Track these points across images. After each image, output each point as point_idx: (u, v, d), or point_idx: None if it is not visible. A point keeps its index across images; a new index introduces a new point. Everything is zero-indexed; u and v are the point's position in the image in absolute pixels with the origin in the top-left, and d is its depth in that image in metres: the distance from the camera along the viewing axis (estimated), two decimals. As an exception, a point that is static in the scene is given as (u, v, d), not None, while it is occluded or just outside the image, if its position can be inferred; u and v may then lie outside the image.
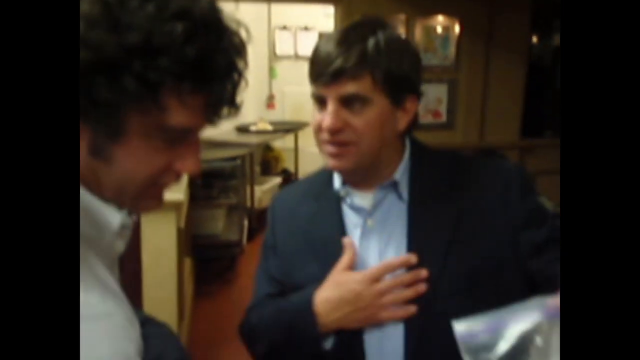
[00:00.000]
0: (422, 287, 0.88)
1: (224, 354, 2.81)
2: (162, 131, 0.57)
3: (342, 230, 0.96)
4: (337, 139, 0.88)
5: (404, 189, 0.94)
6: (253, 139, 4.22)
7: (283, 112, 5.21)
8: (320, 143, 0.92)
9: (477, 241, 0.90)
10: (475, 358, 0.62)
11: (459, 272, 0.89)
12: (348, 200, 0.97)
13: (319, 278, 0.95)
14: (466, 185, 0.94)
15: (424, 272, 0.88)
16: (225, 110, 0.61)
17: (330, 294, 0.90)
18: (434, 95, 3.31)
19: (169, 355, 0.95)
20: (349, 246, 0.92)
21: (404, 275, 0.89)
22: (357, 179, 0.96)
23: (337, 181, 0.99)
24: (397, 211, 0.94)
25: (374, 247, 0.94)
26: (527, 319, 0.64)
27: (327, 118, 0.87)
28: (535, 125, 3.67)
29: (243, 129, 4.43)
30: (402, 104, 0.91)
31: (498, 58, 3.37)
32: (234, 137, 4.27)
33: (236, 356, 2.94)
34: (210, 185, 3.68)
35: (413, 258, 0.89)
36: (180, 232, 2.57)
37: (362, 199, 0.96)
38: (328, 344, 0.94)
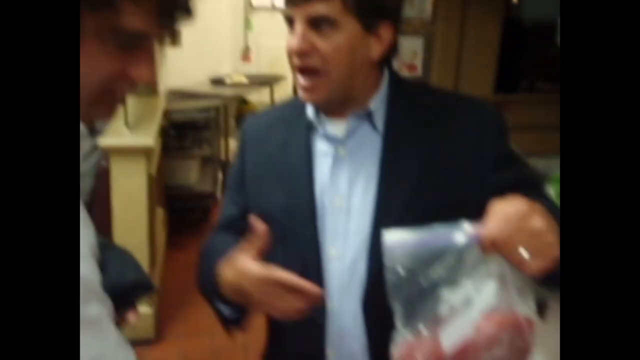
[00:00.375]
0: (316, 300, 0.83)
1: (195, 304, 2.84)
2: (116, 34, 0.56)
3: (310, 160, 0.95)
4: (305, 63, 0.87)
5: (380, 120, 0.93)
6: (227, 91, 4.16)
7: (259, 66, 5.12)
8: (293, 72, 0.90)
9: (447, 177, 0.91)
10: (395, 264, 0.68)
11: (426, 206, 0.90)
12: (320, 128, 0.96)
13: (284, 207, 0.95)
14: (443, 121, 0.94)
15: (315, 289, 0.83)
16: (179, 16, 0.60)
17: (229, 278, 0.87)
18: (410, 48, 3.28)
19: (129, 276, 0.96)
20: (260, 234, 0.86)
21: (291, 283, 0.83)
22: (330, 108, 0.95)
23: (309, 109, 0.97)
24: (370, 142, 0.93)
25: (344, 176, 0.94)
26: (449, 239, 0.69)
27: (293, 39, 0.86)
28: (510, 81, 3.70)
29: (217, 81, 4.36)
30: (375, 30, 0.88)
31: (475, 13, 3.35)
32: (207, 88, 4.20)
33: (207, 306, 2.98)
34: (183, 135, 3.63)
35: (316, 292, 0.83)
36: (151, 179, 2.55)
37: (335, 127, 0.95)
38: (231, 313, 0.94)
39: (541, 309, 1.57)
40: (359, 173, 0.93)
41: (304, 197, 0.94)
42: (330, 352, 0.96)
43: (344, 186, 0.93)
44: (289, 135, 0.99)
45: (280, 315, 0.84)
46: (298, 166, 0.96)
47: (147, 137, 2.44)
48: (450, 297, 0.70)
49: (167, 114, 3.50)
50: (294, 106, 1.01)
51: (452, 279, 0.69)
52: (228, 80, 4.37)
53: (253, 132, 1.05)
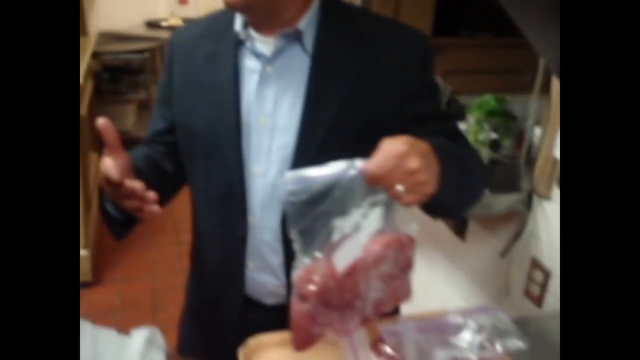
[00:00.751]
0: (152, 209, 0.85)
1: (134, 248, 2.82)
2: None
3: (237, 76, 0.94)
4: None
5: (309, 41, 0.92)
6: (164, 34, 4.00)
7: (197, 9, 4.94)
8: None
9: (371, 101, 0.92)
10: (293, 198, 0.73)
11: (348, 128, 0.92)
12: (249, 44, 0.94)
13: (210, 123, 0.95)
14: (372, 45, 0.93)
15: (151, 195, 0.84)
16: None
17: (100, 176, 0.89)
18: (349, -11, 3.24)
19: None
20: (103, 129, 0.85)
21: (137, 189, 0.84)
22: (255, 20, 0.93)
23: (238, 23, 0.95)
24: (298, 62, 0.93)
25: (270, 94, 0.93)
26: (341, 175, 0.74)
27: None
28: (449, 25, 3.73)
29: (153, 24, 4.19)
30: None
31: (413, -46, 3.33)
32: (142, 31, 4.04)
33: (146, 248, 2.98)
34: (117, 79, 3.51)
35: (145, 194, 0.84)
36: (81, 120, 2.47)
37: (264, 44, 0.93)
38: (116, 213, 0.94)
39: (461, 230, 1.66)
40: (285, 92, 0.93)
41: (229, 113, 0.94)
42: (251, 263, 0.99)
43: (270, 105, 0.93)
44: (216, 49, 0.97)
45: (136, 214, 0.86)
46: (225, 82, 0.94)
47: (74, 75, 2.34)
48: (342, 225, 0.76)
49: (98, 56, 3.36)
50: (223, 19, 0.98)
51: (343, 210, 0.75)
52: (164, 24, 4.21)
53: (181, 44, 1.02)
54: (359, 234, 0.76)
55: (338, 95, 0.91)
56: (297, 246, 0.76)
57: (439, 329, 0.89)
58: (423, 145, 0.76)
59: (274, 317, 0.96)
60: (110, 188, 0.85)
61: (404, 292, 0.85)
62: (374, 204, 0.76)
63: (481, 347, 0.87)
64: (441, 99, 1.02)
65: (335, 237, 0.76)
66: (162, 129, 1.05)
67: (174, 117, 1.02)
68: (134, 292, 2.59)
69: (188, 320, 1.18)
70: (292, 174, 0.74)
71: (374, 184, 0.74)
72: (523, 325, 0.92)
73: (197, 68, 0.98)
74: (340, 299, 0.77)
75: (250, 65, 0.95)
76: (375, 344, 0.86)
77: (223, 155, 0.95)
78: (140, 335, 0.65)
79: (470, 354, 0.86)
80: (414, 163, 0.72)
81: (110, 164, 0.84)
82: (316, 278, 0.76)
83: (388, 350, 0.86)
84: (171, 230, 3.01)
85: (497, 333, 0.88)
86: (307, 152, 0.91)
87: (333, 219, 0.75)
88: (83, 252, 2.54)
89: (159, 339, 0.68)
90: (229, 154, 0.94)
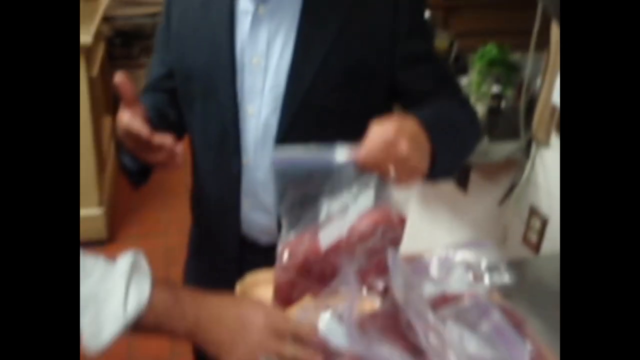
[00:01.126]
0: (178, 160, 0.85)
1: (149, 207, 2.89)
2: None
3: (231, 18, 0.96)
4: None
5: None
6: (175, -1, 4.00)
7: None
8: None
9: (361, 41, 0.93)
10: (281, 176, 0.75)
11: (338, 68, 0.93)
12: None
13: (205, 65, 0.97)
14: None
15: (179, 147, 0.84)
16: None
17: (116, 125, 0.88)
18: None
19: None
20: (120, 84, 0.84)
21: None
22: None
23: None
24: (290, 3, 0.94)
25: (263, 35, 0.95)
26: (329, 160, 0.75)
27: None
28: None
29: (165, -11, 4.19)
30: None
31: None
32: (154, -5, 4.04)
33: (159, 207, 3.04)
34: (129, 44, 3.53)
35: (169, 144, 0.84)
36: (92, 82, 2.50)
37: None
38: (132, 163, 0.96)
39: (464, 182, 1.67)
40: (277, 33, 0.94)
41: (224, 54, 0.96)
42: (245, 201, 1.02)
43: (263, 45, 0.95)
44: None
45: (154, 163, 0.87)
46: (220, 23, 0.96)
47: (85, 35, 2.36)
48: (330, 207, 0.77)
49: (110, 21, 3.38)
50: None
51: (333, 191, 0.76)
52: (176, -12, 4.20)
53: None
54: (347, 214, 0.76)
55: (328, 35, 0.92)
56: (284, 224, 0.77)
57: (427, 263, 0.91)
58: (412, 126, 0.76)
59: (270, 257, 1.00)
60: (133, 142, 0.85)
61: (387, 267, 0.85)
62: (364, 186, 0.76)
63: (469, 280, 0.88)
64: (433, 40, 1.01)
65: (323, 216, 0.76)
66: (162, 74, 1.07)
67: (172, 61, 1.04)
68: (148, 249, 2.61)
69: (192, 261, 1.22)
70: (279, 153, 0.74)
71: (365, 170, 0.74)
72: (520, 268, 0.93)
73: (193, 11, 1.00)
74: (322, 272, 0.78)
75: (244, 7, 0.96)
76: (364, 279, 0.88)
77: (218, 96, 0.97)
78: (125, 261, 0.66)
79: (459, 287, 0.88)
80: (404, 149, 0.73)
81: (131, 119, 0.83)
82: (299, 253, 0.77)
83: (378, 284, 0.89)
84: (183, 193, 3.05)
85: (486, 267, 0.90)
86: (298, 91, 0.93)
87: (322, 199, 0.75)
88: (98, 211, 2.61)
89: (143, 263, 0.69)
90: (224, 95, 0.96)
